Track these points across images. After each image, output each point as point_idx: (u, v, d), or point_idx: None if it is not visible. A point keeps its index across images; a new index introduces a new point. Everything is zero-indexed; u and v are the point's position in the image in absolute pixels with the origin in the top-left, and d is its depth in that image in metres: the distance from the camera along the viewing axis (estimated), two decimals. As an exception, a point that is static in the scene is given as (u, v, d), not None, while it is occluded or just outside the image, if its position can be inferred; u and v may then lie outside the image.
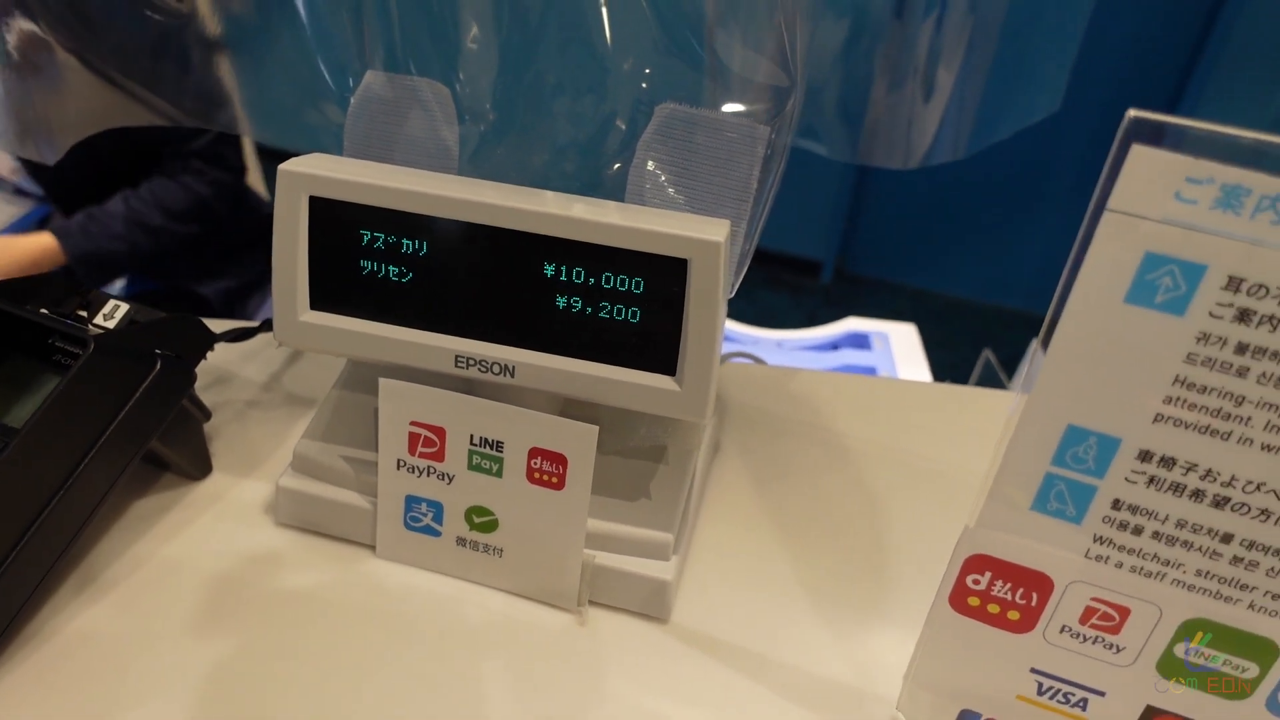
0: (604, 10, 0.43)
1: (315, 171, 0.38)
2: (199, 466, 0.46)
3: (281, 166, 0.38)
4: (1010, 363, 2.20)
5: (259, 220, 1.24)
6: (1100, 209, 0.26)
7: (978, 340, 2.63)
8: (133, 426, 0.40)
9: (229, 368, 0.55)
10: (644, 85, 0.43)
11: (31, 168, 1.10)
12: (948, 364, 0.98)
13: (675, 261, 0.36)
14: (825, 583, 0.44)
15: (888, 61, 0.54)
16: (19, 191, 1.17)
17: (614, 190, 0.43)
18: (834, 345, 0.93)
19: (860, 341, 0.93)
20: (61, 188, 1.12)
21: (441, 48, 0.44)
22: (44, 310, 0.44)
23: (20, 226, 1.21)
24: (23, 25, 0.55)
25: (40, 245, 1.05)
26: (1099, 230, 0.26)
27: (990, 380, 0.95)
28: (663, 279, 0.37)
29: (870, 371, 0.88)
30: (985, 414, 0.58)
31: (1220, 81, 2.01)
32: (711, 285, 0.36)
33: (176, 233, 1.12)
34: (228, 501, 0.45)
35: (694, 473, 0.44)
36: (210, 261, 1.20)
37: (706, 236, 0.36)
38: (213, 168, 1.14)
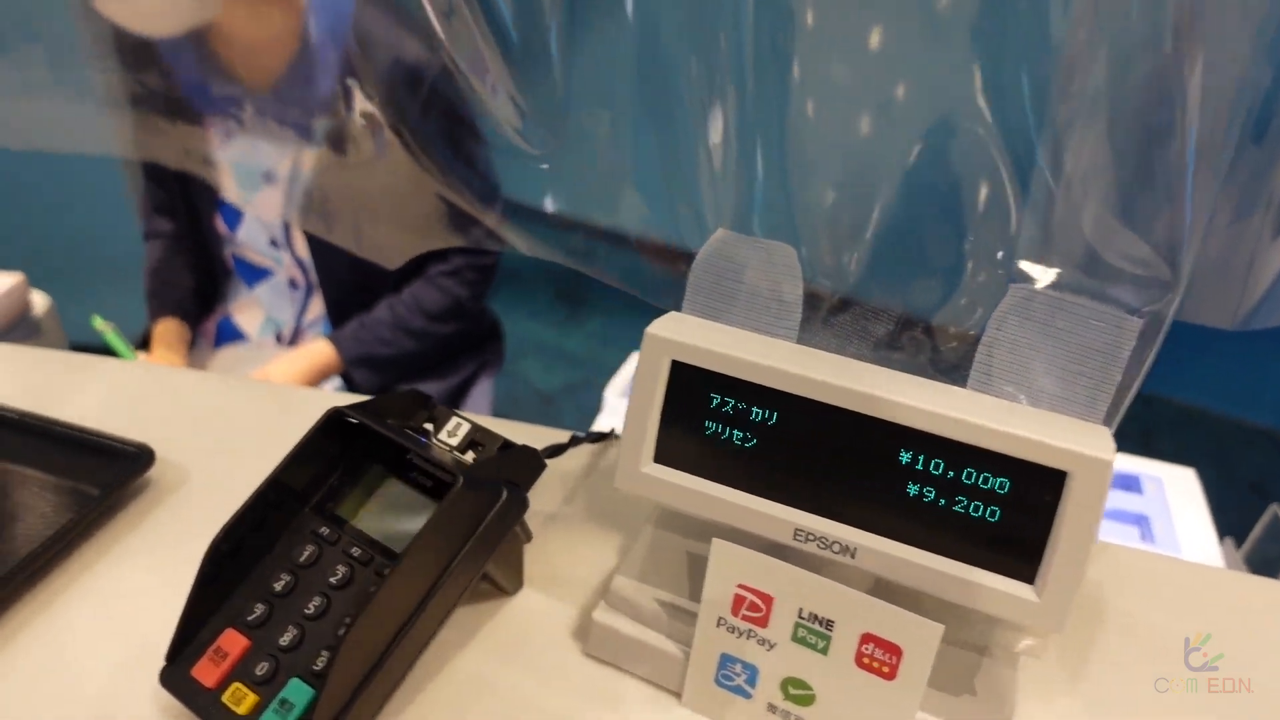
0: (966, 186, 0.43)
1: (679, 338, 0.40)
2: (514, 582, 0.49)
3: (649, 330, 0.40)
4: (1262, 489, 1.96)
5: (479, 323, 1.32)
6: None
7: (1214, 460, 2.39)
8: (479, 549, 0.42)
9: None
10: (999, 260, 0.42)
11: (318, 258, 1.22)
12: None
13: (1053, 471, 0.35)
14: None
15: (1231, 193, 0.50)
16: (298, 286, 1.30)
17: (957, 365, 0.42)
18: (1099, 484, 0.85)
19: (1130, 484, 0.85)
20: (333, 278, 1.24)
21: (791, 210, 0.45)
22: (392, 423, 0.48)
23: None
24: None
25: (320, 352, 1.18)
26: None
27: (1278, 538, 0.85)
28: (1035, 485, 0.35)
29: (1142, 520, 0.81)
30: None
31: None
32: (1093, 501, 0.34)
33: (436, 333, 1.21)
34: (537, 622, 0.47)
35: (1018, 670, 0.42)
36: (433, 364, 1.29)
37: (1095, 453, 0.34)
38: (469, 268, 1.22)
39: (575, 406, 2.33)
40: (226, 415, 0.63)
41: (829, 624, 0.39)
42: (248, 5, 1.00)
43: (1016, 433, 0.35)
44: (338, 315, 1.25)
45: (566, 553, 0.52)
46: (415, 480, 0.45)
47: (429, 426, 0.48)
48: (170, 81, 0.88)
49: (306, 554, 0.43)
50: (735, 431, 0.40)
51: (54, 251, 1.53)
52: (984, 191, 0.43)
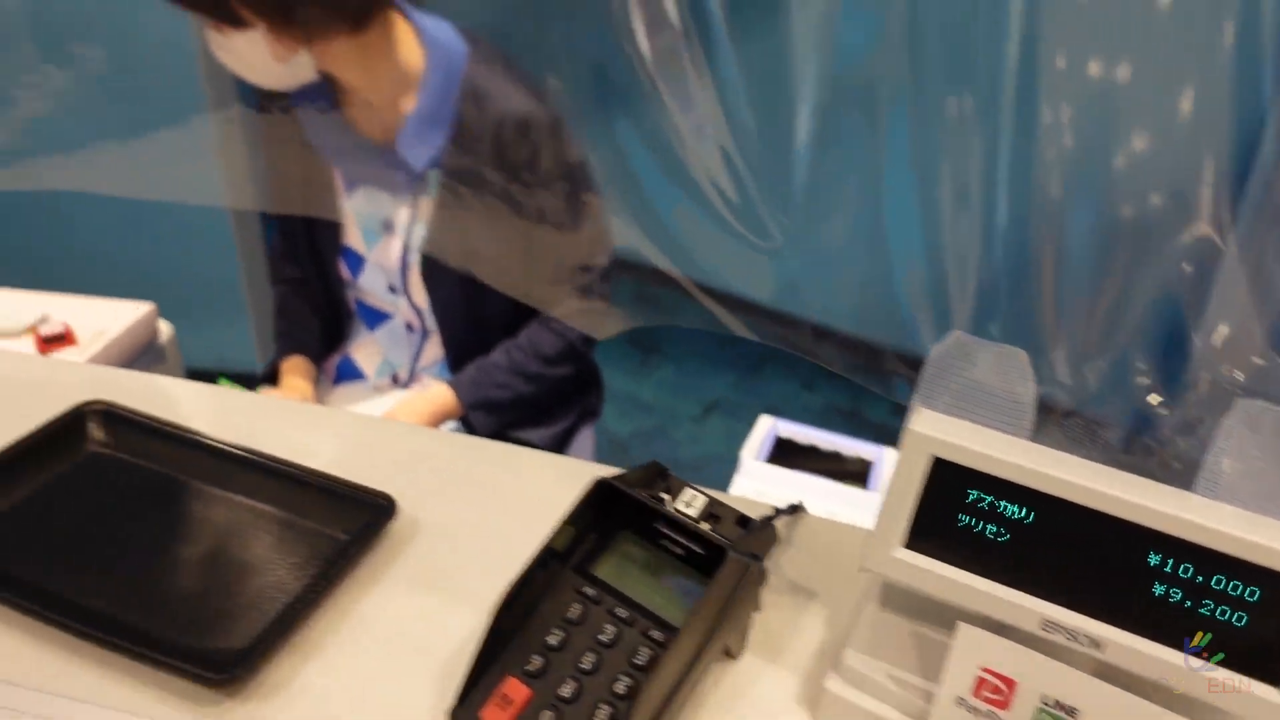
0: (1193, 297, 0.47)
1: (942, 437, 0.43)
2: (739, 647, 0.52)
3: (911, 427, 0.44)
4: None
5: (585, 366, 1.36)
6: None
7: None
8: (730, 617, 0.46)
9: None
10: (1237, 378, 0.45)
11: (436, 304, 1.27)
12: None
13: (1311, 585, 0.38)
14: None
15: None
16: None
17: (1183, 472, 0.45)
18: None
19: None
20: (451, 323, 1.29)
21: (1029, 315, 0.49)
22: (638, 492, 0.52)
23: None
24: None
25: (440, 395, 1.23)
26: None
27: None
28: (1289, 596, 0.38)
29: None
30: None
31: None
32: (1352, 616, 0.37)
33: (551, 376, 1.26)
34: (765, 687, 0.51)
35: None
36: (544, 408, 1.33)
37: (1357, 571, 0.37)
38: None
39: (648, 453, 2.37)
40: (439, 467, 0.67)
41: (1073, 711, 0.42)
42: (359, 68, 1.07)
43: (1275, 546, 0.38)
44: (456, 359, 1.31)
45: (778, 620, 0.55)
46: (663, 546, 0.49)
47: (665, 495, 0.52)
48: (302, 133, 0.94)
49: (576, 612, 0.47)
50: (989, 526, 0.43)
51: (160, 282, 1.62)
52: (1214, 303, 0.46)
